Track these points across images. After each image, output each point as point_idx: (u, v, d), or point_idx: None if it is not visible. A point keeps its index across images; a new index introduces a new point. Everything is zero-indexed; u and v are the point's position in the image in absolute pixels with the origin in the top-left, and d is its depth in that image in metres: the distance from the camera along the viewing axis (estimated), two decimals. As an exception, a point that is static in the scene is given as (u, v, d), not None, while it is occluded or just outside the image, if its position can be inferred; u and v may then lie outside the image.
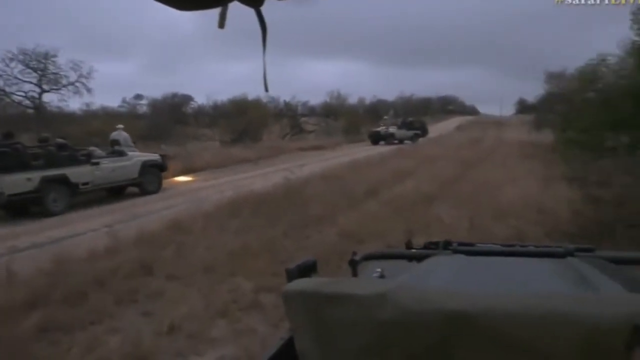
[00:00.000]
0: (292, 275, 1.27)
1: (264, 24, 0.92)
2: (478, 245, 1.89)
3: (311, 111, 42.75)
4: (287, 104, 37.75)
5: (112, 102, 49.94)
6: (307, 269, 1.34)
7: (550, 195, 8.90)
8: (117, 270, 5.40)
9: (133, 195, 11.82)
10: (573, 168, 9.59)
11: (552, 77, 17.20)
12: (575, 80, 11.56)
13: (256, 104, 31.08)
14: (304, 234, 7.20)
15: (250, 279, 5.13)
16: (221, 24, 0.91)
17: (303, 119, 38.55)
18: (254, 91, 32.69)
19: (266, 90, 1.01)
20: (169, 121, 27.87)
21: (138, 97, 38.40)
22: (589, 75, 9.45)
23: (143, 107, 36.30)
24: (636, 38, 7.12)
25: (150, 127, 25.46)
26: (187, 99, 34.50)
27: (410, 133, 29.94)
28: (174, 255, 6.06)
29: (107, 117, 24.61)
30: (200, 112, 34.55)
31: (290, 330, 1.18)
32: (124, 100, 38.53)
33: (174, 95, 34.01)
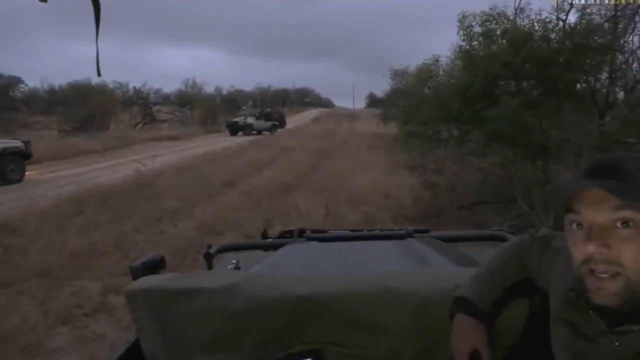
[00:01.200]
0: (136, 272, 1.19)
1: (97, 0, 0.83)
2: (330, 231, 2.01)
3: (165, 99, 40.53)
4: (137, 91, 35.30)
5: None
6: (154, 265, 1.26)
7: (395, 182, 9.77)
8: None
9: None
10: (413, 157, 10.58)
11: (396, 74, 18.72)
12: (414, 77, 12.74)
13: (101, 89, 28.39)
14: (158, 228, 6.87)
15: (96, 281, 4.74)
16: (44, -4, 0.79)
17: (156, 107, 36.35)
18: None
19: (98, 74, 0.92)
20: (-8, 106, 24.06)
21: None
22: (425, 74, 10.50)
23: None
24: (462, 43, 8.05)
25: (-34, 113, 21.75)
26: (15, 81, 30.01)
27: (269, 124, 30.30)
28: (1, 260, 5.30)
29: None
30: (33, 97, 30.47)
31: (136, 331, 1.11)
32: None
33: (-2, 77, 29.42)
